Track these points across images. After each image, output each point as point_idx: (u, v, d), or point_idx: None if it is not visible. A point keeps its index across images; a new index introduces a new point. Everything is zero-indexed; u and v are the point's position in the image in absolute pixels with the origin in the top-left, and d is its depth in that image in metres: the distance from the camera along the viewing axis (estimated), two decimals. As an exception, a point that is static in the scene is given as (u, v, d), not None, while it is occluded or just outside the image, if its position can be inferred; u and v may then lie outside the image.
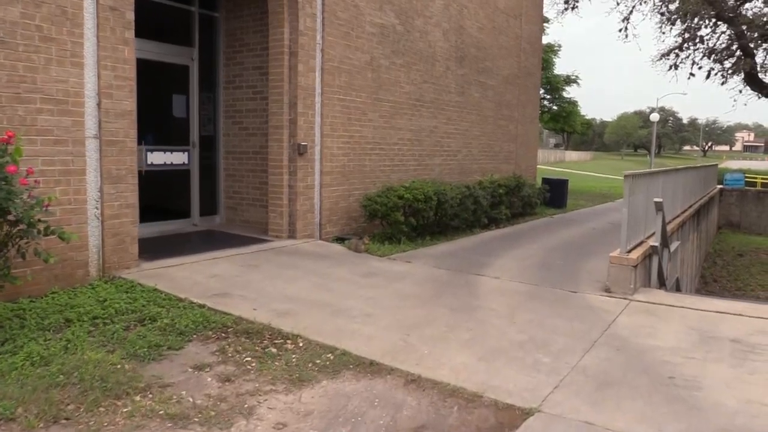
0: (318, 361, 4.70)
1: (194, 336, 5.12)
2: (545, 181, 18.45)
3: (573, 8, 22.50)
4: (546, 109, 33.41)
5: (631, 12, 22.11)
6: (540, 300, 6.89)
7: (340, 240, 9.83)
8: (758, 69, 21.24)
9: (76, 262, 6.39)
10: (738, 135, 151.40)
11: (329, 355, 4.84)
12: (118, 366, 4.34)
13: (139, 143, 8.87)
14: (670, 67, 22.55)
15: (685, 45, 22.02)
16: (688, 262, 14.48)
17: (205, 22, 10.30)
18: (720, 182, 27.77)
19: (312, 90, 9.55)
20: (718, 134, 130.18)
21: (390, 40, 11.36)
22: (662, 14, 21.42)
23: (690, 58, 22.18)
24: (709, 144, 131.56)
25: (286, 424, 3.72)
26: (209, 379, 4.32)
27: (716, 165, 27.70)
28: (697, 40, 21.81)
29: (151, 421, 3.64)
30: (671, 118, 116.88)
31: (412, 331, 5.55)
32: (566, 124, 35.71)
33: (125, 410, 3.74)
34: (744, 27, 20.07)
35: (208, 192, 10.48)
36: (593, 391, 4.43)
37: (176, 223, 9.98)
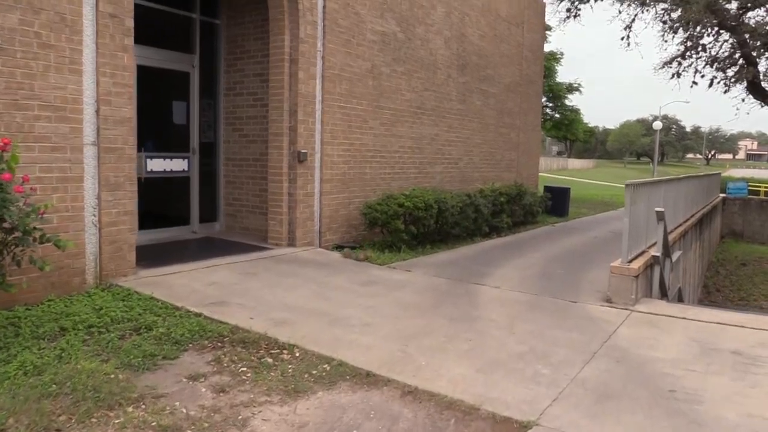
0: (314, 372, 4.65)
1: (190, 345, 5.07)
2: (547, 189, 18.40)
3: (575, 16, 22.53)
4: (548, 117, 33.40)
5: (633, 20, 22.12)
6: (540, 310, 6.83)
7: (339, 248, 9.79)
8: (761, 77, 21.21)
9: (72, 270, 6.36)
10: (741, 143, 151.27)
11: (326, 365, 4.79)
12: (112, 376, 4.29)
13: (139, 150, 8.88)
14: (673, 76, 22.54)
15: (688, 53, 22.01)
16: (690, 271, 14.40)
17: (206, 28, 10.29)
18: (723, 191, 27.69)
19: (312, 97, 9.53)
20: (721, 142, 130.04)
21: (391, 47, 11.35)
22: (664, 22, 21.42)
23: (693, 66, 22.18)
24: (712, 152, 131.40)
25: (280, 437, 3.67)
26: (203, 390, 4.26)
27: (719, 173, 27.64)
28: (700, 49, 21.80)
29: (142, 432, 3.59)
30: (674, 126, 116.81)
31: (410, 341, 5.50)
32: (568, 132, 35.70)
33: (117, 421, 3.69)
34: (747, 35, 20.05)
35: (207, 199, 10.46)
36: (593, 403, 4.37)
37: (175, 230, 9.95)
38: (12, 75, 5.83)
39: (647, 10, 21.47)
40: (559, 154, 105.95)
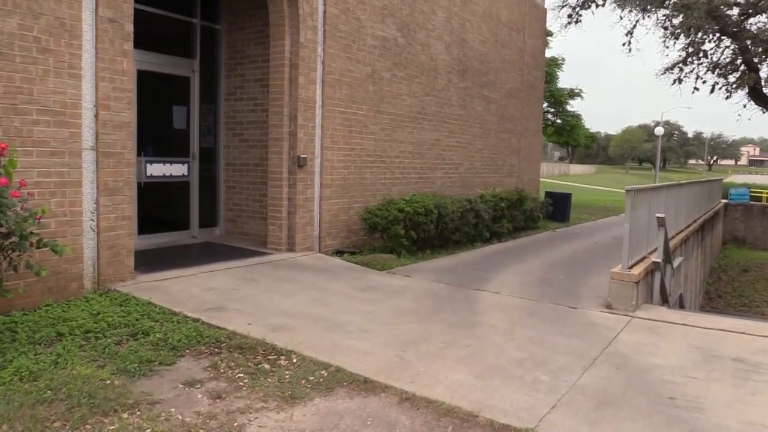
0: (311, 378, 4.62)
1: (187, 351, 5.04)
2: (548, 194, 18.37)
3: (576, 22, 22.55)
4: (550, 123, 33.37)
5: (635, 26, 22.18)
6: (540, 316, 6.79)
7: (339, 253, 9.76)
8: (762, 83, 21.19)
9: (70, 275, 6.33)
10: (743, 149, 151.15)
11: (323, 371, 4.75)
12: (108, 382, 4.26)
13: (139, 155, 8.89)
14: (675, 81, 22.54)
15: (689, 59, 22.02)
16: (692, 277, 14.35)
17: (207, 34, 10.29)
18: (725, 197, 27.63)
19: (312, 102, 9.51)
20: (723, 148, 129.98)
21: (392, 52, 11.34)
22: (666, 28, 21.44)
23: (694, 72, 22.19)
24: (715, 158, 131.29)
25: (275, 444, 3.64)
26: (200, 396, 4.23)
27: (721, 179, 27.58)
28: (701, 55, 21.81)
29: (137, 439, 3.56)
30: (676, 132, 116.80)
31: (408, 347, 5.47)
32: (570, 138, 35.61)
33: (112, 428, 3.66)
34: (748, 42, 20.05)
35: (207, 204, 10.44)
36: (592, 410, 4.33)
37: (175, 234, 9.92)
38: (11, 79, 5.81)
39: (648, 16, 21.50)
40: (561, 159, 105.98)
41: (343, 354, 5.16)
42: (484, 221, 12.10)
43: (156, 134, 9.96)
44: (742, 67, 21.25)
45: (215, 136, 10.55)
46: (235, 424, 3.84)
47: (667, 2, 20.49)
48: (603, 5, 21.93)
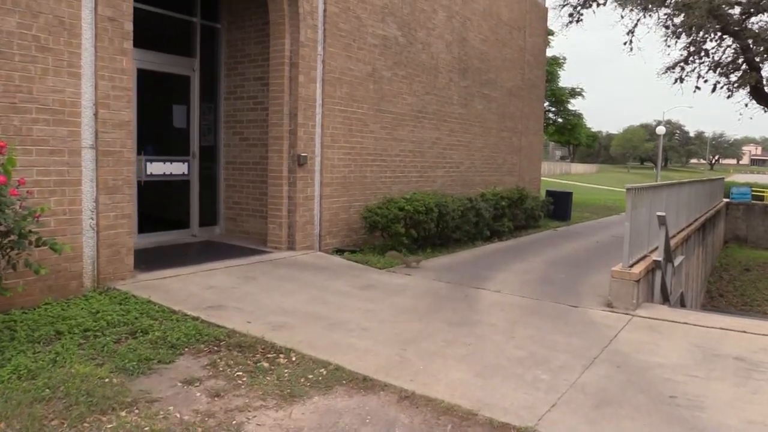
0: (310, 376, 4.61)
1: (186, 349, 5.03)
2: (549, 193, 18.35)
3: (577, 21, 22.54)
4: (551, 122, 33.34)
5: (636, 25, 22.20)
6: (540, 315, 6.78)
7: (340, 252, 9.75)
8: (764, 83, 21.15)
9: (70, 273, 6.32)
10: (745, 148, 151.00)
11: (322, 370, 4.74)
12: (106, 380, 4.25)
13: (139, 153, 8.88)
14: (676, 81, 22.52)
15: (691, 58, 21.99)
16: (693, 276, 14.33)
17: (207, 32, 10.28)
18: (726, 196, 27.59)
19: (312, 101, 9.50)
20: (725, 148, 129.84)
21: (392, 51, 11.33)
22: (667, 27, 21.41)
23: (695, 71, 22.16)
24: (716, 157, 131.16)
25: (274, 442, 3.63)
26: (198, 394, 4.22)
27: (722, 178, 27.54)
28: (703, 54, 21.78)
29: (135, 437, 3.55)
30: (678, 132, 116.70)
31: (408, 345, 5.45)
32: (571, 137, 35.59)
33: (110, 426, 3.65)
34: (750, 41, 20.02)
35: (207, 202, 10.43)
36: (592, 409, 4.32)
37: (175, 233, 9.92)
38: (10, 78, 5.80)
39: (649, 15, 21.48)
40: (563, 158, 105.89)
41: (342, 352, 5.15)
42: (484, 220, 12.08)
43: (156, 133, 9.96)
44: (744, 66, 21.22)
45: (215, 134, 10.54)
46: (234, 422, 3.83)
47: (668, 1, 20.48)
48: (604, 4, 21.91)
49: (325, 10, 9.64)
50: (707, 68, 21.94)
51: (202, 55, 10.23)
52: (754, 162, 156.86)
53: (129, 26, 6.84)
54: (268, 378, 4.54)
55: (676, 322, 6.70)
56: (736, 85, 21.70)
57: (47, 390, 4.02)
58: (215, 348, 5.10)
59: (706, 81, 22.09)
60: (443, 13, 12.92)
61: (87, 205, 6.53)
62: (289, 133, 9.28)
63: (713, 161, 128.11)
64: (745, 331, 6.39)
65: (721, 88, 22.07)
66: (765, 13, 20.22)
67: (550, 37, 26.10)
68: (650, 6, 20.67)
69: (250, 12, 9.96)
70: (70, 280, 6.34)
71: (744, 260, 23.49)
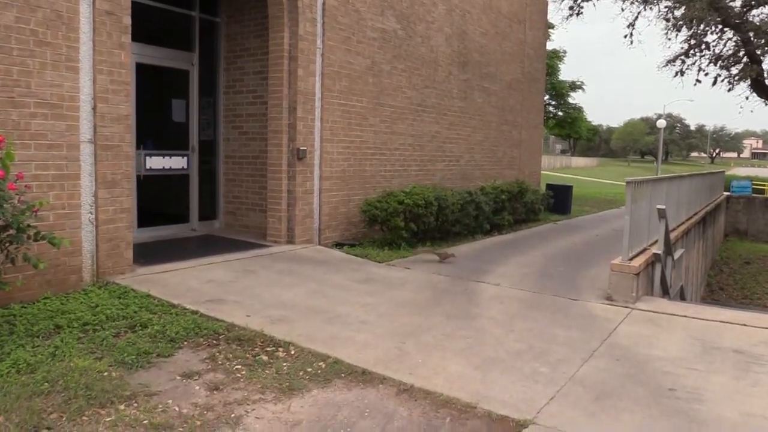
0: (309, 370, 4.61)
1: (185, 343, 5.03)
2: (549, 186, 18.34)
3: (578, 14, 22.48)
4: (551, 115, 33.28)
5: (636, 18, 22.10)
6: (540, 308, 6.78)
7: (339, 245, 9.75)
8: (765, 75, 21.11)
9: (69, 268, 6.32)
10: (746, 142, 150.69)
11: (321, 363, 4.74)
12: (105, 374, 4.25)
13: (138, 148, 8.88)
14: (676, 74, 22.48)
15: (692, 51, 21.95)
16: (693, 269, 14.32)
17: (206, 26, 10.25)
18: (727, 189, 27.56)
19: (312, 94, 9.48)
20: (725, 141, 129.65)
21: (391, 45, 11.30)
22: (668, 20, 21.36)
23: (696, 64, 22.13)
24: (717, 151, 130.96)
25: (272, 435, 3.63)
26: (197, 388, 4.23)
27: (723, 172, 27.49)
28: (704, 47, 21.73)
29: (134, 431, 3.55)
30: (678, 125, 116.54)
31: (407, 338, 5.46)
32: (572, 130, 35.52)
33: (108, 419, 3.65)
34: (751, 33, 19.97)
35: (207, 197, 10.42)
36: (591, 402, 4.32)
37: (175, 227, 9.91)
38: (8, 72, 5.79)
39: (650, 8, 21.44)
40: (563, 152, 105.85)
41: (341, 345, 5.15)
42: (484, 213, 12.07)
43: (155, 127, 9.95)
44: (745, 59, 21.18)
45: (215, 128, 10.52)
46: (233, 415, 3.84)
47: (668, -7, 20.42)
48: (604, -3, 21.83)
49: (323, 4, 9.61)
50: (708, 61, 21.92)
51: (201, 49, 10.21)
52: (755, 155, 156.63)
53: (127, 20, 6.82)
54: (267, 371, 4.54)
55: (675, 315, 6.70)
56: (736, 78, 21.67)
57: (46, 384, 4.02)
58: (214, 342, 5.11)
59: (706, 74, 22.07)
60: (443, 6, 12.88)
61: (86, 200, 6.53)
62: (289, 127, 9.27)
63: (714, 155, 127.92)
64: (745, 324, 6.38)
65: (722, 81, 22.06)
66: (766, 6, 20.17)
67: (550, 30, 26.01)
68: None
69: (249, 6, 9.93)
70: (69, 275, 6.34)
71: (744, 253, 23.48)
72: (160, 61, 9.54)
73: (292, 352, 4.95)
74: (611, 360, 5.19)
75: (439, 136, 13.11)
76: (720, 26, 20.83)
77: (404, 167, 11.94)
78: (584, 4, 22.21)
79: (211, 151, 10.50)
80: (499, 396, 4.32)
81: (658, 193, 8.83)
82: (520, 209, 14.20)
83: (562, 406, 4.22)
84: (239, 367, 4.61)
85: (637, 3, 21.20)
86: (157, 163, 9.41)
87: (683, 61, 22.18)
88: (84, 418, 3.66)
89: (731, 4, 20.09)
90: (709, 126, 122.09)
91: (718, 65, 21.85)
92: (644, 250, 7.99)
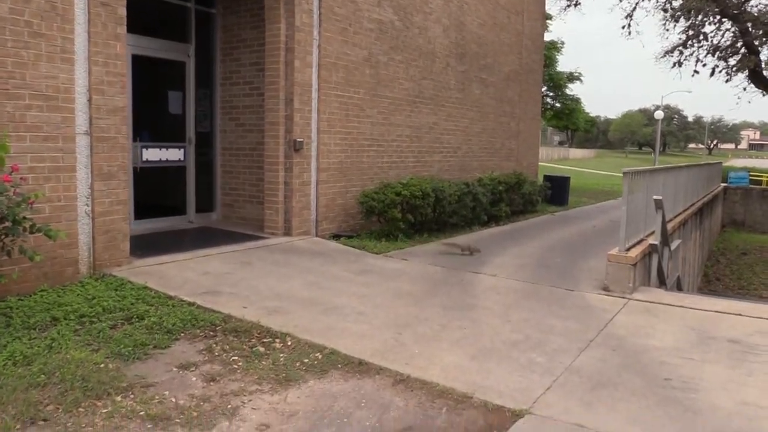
0: (306, 361, 4.62)
1: (182, 335, 5.03)
2: (547, 178, 18.34)
3: (576, 5, 22.40)
4: (549, 107, 33.21)
5: (635, 8, 21.99)
6: (537, 299, 6.79)
7: (336, 237, 9.75)
8: (763, 66, 21.08)
9: (65, 260, 6.32)
10: (744, 133, 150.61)
11: (318, 354, 4.75)
12: (101, 365, 4.26)
13: (135, 140, 8.86)
14: (674, 65, 22.43)
15: (689, 42, 21.88)
16: (690, 260, 14.35)
17: (202, 17, 10.20)
18: (724, 180, 27.59)
19: (308, 86, 9.46)
20: (723, 132, 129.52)
21: (388, 36, 11.26)
22: (665, 11, 21.29)
23: (694, 55, 22.06)
24: (715, 142, 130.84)
25: (269, 426, 3.64)
26: (194, 379, 4.23)
27: (720, 163, 27.53)
28: (701, 37, 21.66)
29: (130, 422, 3.56)
30: (676, 116, 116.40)
31: (404, 329, 5.46)
32: (569, 122, 35.44)
33: (105, 411, 3.66)
34: (749, 24, 19.91)
35: (204, 189, 10.40)
36: (587, 392, 4.33)
37: (172, 219, 9.90)
38: (3, 64, 5.76)
39: (648, -1, 21.35)
40: (561, 143, 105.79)
41: (338, 336, 5.16)
42: (481, 205, 12.07)
43: (152, 119, 9.93)
44: (743, 50, 21.13)
45: (211, 120, 10.49)
46: (229, 406, 3.84)
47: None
48: (602, -13, 21.77)
49: (320, -6, 9.57)
50: (706, 52, 21.85)
51: (198, 40, 10.16)
52: (752, 147, 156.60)
53: (122, 11, 6.79)
54: (263, 362, 4.55)
55: (672, 305, 6.71)
56: (734, 68, 21.62)
57: (42, 376, 4.03)
58: (211, 333, 5.11)
59: (704, 65, 22.01)
60: (440, -3, 12.84)
61: (82, 192, 6.51)
62: (286, 119, 9.24)
63: (712, 146, 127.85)
64: (740, 314, 6.40)
65: (720, 72, 21.99)
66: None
67: (548, 21, 25.94)
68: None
69: (245, -4, 9.89)
70: (66, 267, 6.33)
71: (741, 244, 23.54)
72: (156, 53, 9.50)
73: (289, 343, 4.95)
74: (608, 350, 5.21)
75: (437, 127, 13.09)
76: (718, 17, 20.77)
77: (401, 159, 11.93)
78: (582, -6, 22.11)
79: (208, 142, 10.48)
80: (495, 386, 4.33)
81: (655, 184, 8.83)
82: (518, 200, 14.20)
83: (558, 396, 4.24)
84: (236, 358, 4.62)
85: (635, -7, 21.13)
86: (153, 155, 9.39)
87: (681, 52, 22.13)
88: (80, 409, 3.67)
89: (729, -6, 20.04)
90: (707, 117, 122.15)
91: (716, 56, 21.78)
92: (641, 240, 7.99)
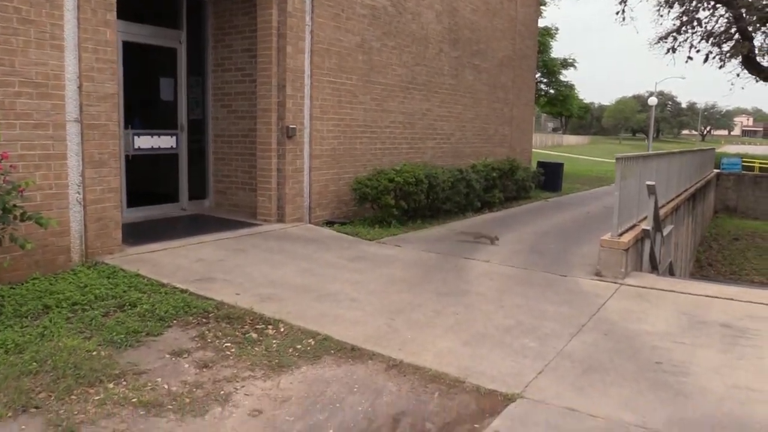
0: (299, 347, 4.62)
1: (174, 322, 5.03)
2: (540, 164, 18.35)
3: (569, -10, 22.28)
4: (543, 93, 33.19)
5: (629, -6, 21.91)
6: (529, 284, 6.81)
7: (329, 224, 9.74)
8: (756, 52, 21.09)
9: (57, 248, 6.29)
10: (737, 119, 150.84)
11: (311, 340, 4.76)
12: (94, 353, 4.25)
13: (126, 127, 8.81)
14: (668, 51, 22.43)
15: (684, 28, 21.87)
16: (682, 246, 14.41)
17: (193, 4, 10.11)
18: (717, 166, 27.67)
19: (301, 72, 9.41)
20: (716, 119, 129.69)
21: (381, 21, 11.20)
22: (660, -4, 21.23)
23: (688, 41, 22.07)
24: (708, 128, 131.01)
25: (262, 411, 3.64)
26: (186, 366, 4.23)
27: (713, 149, 27.60)
28: (695, 23, 21.65)
29: (123, 409, 3.56)
30: (670, 103, 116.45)
31: (397, 315, 5.47)
32: (563, 108, 35.46)
33: (97, 398, 3.65)
34: (743, 10, 19.89)
35: (196, 176, 10.36)
36: (578, 376, 4.35)
37: (164, 207, 9.86)
38: (-9, 51, 5.71)
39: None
40: (555, 130, 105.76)
41: (331, 323, 5.16)
42: (475, 191, 12.07)
43: (143, 106, 9.87)
44: (736, 36, 21.12)
45: (203, 107, 10.43)
46: (222, 392, 3.85)
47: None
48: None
49: (312, -20, 9.50)
50: (700, 38, 21.85)
51: (189, 26, 10.07)
52: (745, 133, 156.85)
53: (112, -3, 6.73)
54: (256, 349, 4.55)
55: (664, 290, 6.74)
56: (728, 54, 21.62)
57: (34, 363, 4.01)
58: (204, 320, 5.11)
59: (698, 51, 22.02)
60: (433, -17, 12.76)
61: (73, 179, 6.47)
62: (278, 105, 9.20)
63: (705, 132, 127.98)
64: (732, 299, 6.44)
65: (714, 58, 22.01)
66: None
67: (542, 7, 25.87)
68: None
69: (237, -18, 9.80)
70: (58, 255, 6.30)
71: (733, 230, 23.65)
72: (147, 39, 9.42)
73: (282, 330, 4.96)
74: (600, 335, 5.23)
75: (430, 113, 13.06)
76: (712, 2, 20.75)
77: (395, 145, 11.90)
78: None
79: (200, 129, 10.42)
80: (487, 371, 4.35)
81: (647, 170, 8.84)
82: (511, 187, 14.21)
83: (550, 380, 4.26)
84: (229, 344, 4.62)
85: (628, -21, 21.06)
86: (145, 142, 9.34)
87: (675, 38, 22.12)
88: (72, 397, 3.66)
89: (723, -20, 20.01)
90: (701, 104, 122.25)
91: (709, 42, 21.79)
92: (633, 226, 8.01)
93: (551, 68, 31.96)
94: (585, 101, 45.39)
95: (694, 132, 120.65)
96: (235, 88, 10.08)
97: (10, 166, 5.30)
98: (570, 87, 34.10)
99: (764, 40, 22.08)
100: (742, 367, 4.66)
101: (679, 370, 4.53)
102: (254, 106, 9.53)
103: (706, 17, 21.46)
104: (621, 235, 7.31)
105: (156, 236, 7.85)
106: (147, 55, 9.64)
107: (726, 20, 21.31)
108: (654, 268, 8.42)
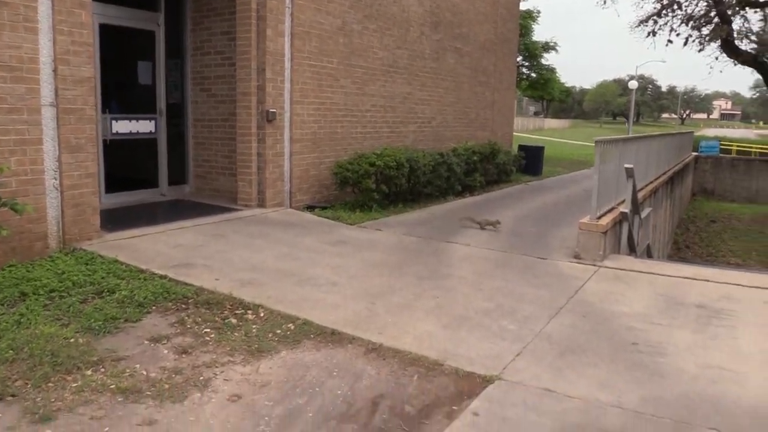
0: (278, 331, 4.63)
1: (153, 308, 5.01)
2: (521, 148, 18.41)
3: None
4: (524, 77, 33.25)
5: (609, -23, 21.93)
6: (509, 267, 6.86)
7: (310, 208, 9.72)
8: (735, 36, 21.25)
9: (34, 235, 6.21)
10: (716, 103, 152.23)
11: (290, 324, 4.76)
12: (71, 340, 4.23)
13: (104, 111, 8.70)
14: (649, 34, 22.55)
15: (664, 11, 21.98)
16: (660, 228, 14.56)
17: (170, -15, 9.97)
18: (695, 150, 27.94)
19: (281, 55, 9.33)
20: (696, 102, 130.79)
21: (362, 4, 11.12)
22: (640, -21, 21.27)
23: (668, 24, 22.19)
24: (687, 112, 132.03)
25: (241, 396, 3.65)
26: (165, 352, 4.22)
27: (692, 132, 27.84)
28: (675, 7, 21.76)
29: (100, 395, 3.55)
30: (650, 86, 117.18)
31: (377, 299, 5.49)
32: (544, 92, 35.64)
33: (75, 385, 3.64)
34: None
35: (176, 161, 10.26)
36: (556, 357, 4.41)
37: (144, 193, 9.77)
38: (-38, 33, 5.60)
39: (623, -33, 21.34)
40: (536, 114, 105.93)
41: (311, 307, 5.17)
42: (456, 175, 12.09)
43: (121, 90, 9.73)
44: (716, 20, 21.25)
45: (182, 91, 10.32)
46: (201, 378, 3.85)
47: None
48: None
49: (291, -38, 9.39)
50: (680, 21, 21.98)
51: (167, 8, 9.92)
52: (723, 116, 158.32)
53: (86, -22, 6.61)
54: (236, 334, 4.55)
55: (641, 272, 6.82)
56: (707, 38, 21.79)
57: (11, 351, 3.98)
58: (183, 306, 5.09)
59: (678, 34, 22.16)
60: (413, -35, 12.67)
61: (49, 165, 6.39)
62: (258, 89, 9.12)
63: (684, 116, 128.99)
64: (707, 280, 6.54)
65: (693, 41, 22.18)
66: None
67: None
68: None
69: (215, -36, 9.67)
70: (35, 242, 6.23)
71: (710, 212, 23.94)
72: (124, 22, 9.27)
73: (262, 315, 4.96)
74: (577, 317, 5.29)
75: (411, 97, 13.03)
76: (692, -14, 20.85)
77: (376, 129, 11.87)
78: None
79: (179, 114, 10.32)
80: (466, 353, 4.38)
81: (627, 153, 8.90)
82: (492, 170, 14.26)
83: (528, 362, 4.30)
84: (208, 330, 4.61)
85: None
86: (123, 127, 9.23)
87: (655, 22, 22.23)
88: (50, 384, 3.64)
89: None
90: (680, 87, 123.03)
91: (689, 26, 21.93)
92: (612, 209, 8.08)
93: (533, 52, 32.02)
94: (566, 85, 45.62)
95: (673, 115, 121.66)
96: (214, 71, 9.98)
97: (-16, 151, 5.23)
98: (551, 71, 34.21)
99: (743, 24, 22.30)
100: (715, 346, 4.75)
101: (655, 350, 4.60)
102: (234, 90, 9.44)
103: (686, 1, 21.59)
104: (600, 218, 7.37)
105: (135, 222, 7.79)
106: (124, 38, 9.50)
107: (705, 4, 21.45)
108: (632, 250, 8.51)
